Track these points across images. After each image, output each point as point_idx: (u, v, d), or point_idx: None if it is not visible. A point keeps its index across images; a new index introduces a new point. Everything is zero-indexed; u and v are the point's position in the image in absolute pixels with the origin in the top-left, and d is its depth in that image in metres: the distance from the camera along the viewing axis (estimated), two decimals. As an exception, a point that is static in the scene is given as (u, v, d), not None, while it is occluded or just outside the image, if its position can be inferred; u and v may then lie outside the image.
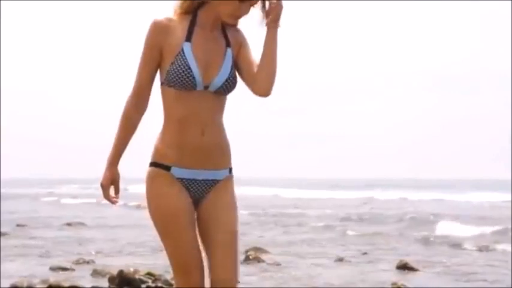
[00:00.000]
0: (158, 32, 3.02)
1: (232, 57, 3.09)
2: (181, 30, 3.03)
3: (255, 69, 3.08)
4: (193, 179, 3.05)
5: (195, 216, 3.09)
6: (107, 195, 3.10)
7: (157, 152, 3.06)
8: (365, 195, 40.55)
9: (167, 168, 3.03)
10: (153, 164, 3.06)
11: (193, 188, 3.06)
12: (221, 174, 3.11)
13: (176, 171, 3.03)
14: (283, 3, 3.08)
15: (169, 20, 3.05)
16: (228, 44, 3.10)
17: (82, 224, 17.83)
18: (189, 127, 3.01)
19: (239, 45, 3.13)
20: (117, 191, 3.12)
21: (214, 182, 3.09)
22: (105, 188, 3.09)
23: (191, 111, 3.01)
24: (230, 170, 3.15)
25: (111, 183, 3.10)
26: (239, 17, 3.09)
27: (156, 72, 3.08)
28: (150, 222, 3.09)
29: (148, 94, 3.10)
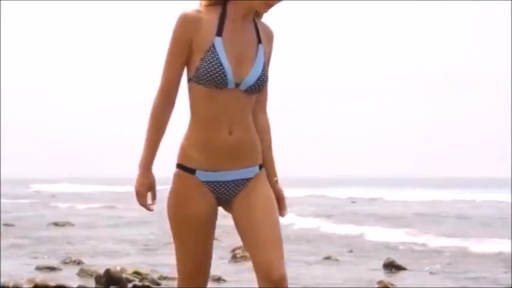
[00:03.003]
0: (188, 25, 2.84)
1: (265, 53, 2.95)
2: (211, 23, 2.85)
3: (263, 104, 3.04)
4: (221, 181, 2.92)
5: (216, 220, 2.99)
6: (143, 202, 2.93)
7: (183, 153, 2.93)
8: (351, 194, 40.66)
9: (192, 171, 2.91)
10: (179, 166, 2.94)
11: (222, 190, 2.93)
12: (251, 172, 2.96)
13: (201, 175, 2.91)
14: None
15: (199, 11, 2.87)
16: (259, 41, 2.95)
17: (70, 223, 17.75)
18: (216, 126, 2.87)
19: (267, 60, 2.99)
20: (154, 197, 2.96)
21: (244, 181, 2.95)
22: (141, 194, 2.92)
23: (219, 109, 2.86)
24: (261, 166, 3.00)
25: (148, 189, 2.94)
26: (272, 4, 2.91)
27: (184, 68, 2.91)
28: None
29: (177, 92, 2.93)
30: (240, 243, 11.36)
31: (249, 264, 3.03)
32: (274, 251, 2.84)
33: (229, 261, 9.57)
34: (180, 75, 2.91)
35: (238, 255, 10.21)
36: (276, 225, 2.91)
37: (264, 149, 3.03)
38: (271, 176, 3.04)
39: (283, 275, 2.83)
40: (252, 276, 2.93)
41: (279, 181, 3.07)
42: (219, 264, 8.98)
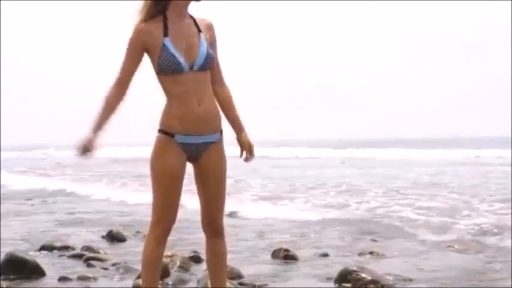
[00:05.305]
0: (140, 35, 3.77)
1: (206, 39, 3.87)
2: (158, 29, 3.77)
3: (220, 76, 3.99)
4: (193, 143, 3.85)
5: (185, 172, 3.88)
6: (85, 150, 3.75)
7: (164, 122, 3.84)
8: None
9: (172, 135, 3.81)
10: (161, 131, 3.84)
11: (193, 150, 3.87)
12: (215, 137, 3.91)
13: (179, 138, 3.82)
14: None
15: (147, 23, 3.78)
16: (199, 30, 3.87)
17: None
18: (187, 102, 3.79)
19: (210, 43, 3.89)
20: (90, 150, 3.78)
21: (210, 144, 3.89)
22: (85, 146, 3.75)
23: (186, 89, 3.77)
24: (221, 132, 3.96)
25: (88, 144, 3.76)
26: None
27: (137, 66, 3.84)
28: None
29: (129, 84, 3.84)
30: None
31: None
32: (217, 207, 3.96)
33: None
34: (133, 72, 3.83)
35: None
36: (224, 182, 3.98)
37: (231, 113, 4.01)
38: (240, 131, 4.05)
39: (221, 226, 4.00)
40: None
41: (247, 134, 4.06)
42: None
